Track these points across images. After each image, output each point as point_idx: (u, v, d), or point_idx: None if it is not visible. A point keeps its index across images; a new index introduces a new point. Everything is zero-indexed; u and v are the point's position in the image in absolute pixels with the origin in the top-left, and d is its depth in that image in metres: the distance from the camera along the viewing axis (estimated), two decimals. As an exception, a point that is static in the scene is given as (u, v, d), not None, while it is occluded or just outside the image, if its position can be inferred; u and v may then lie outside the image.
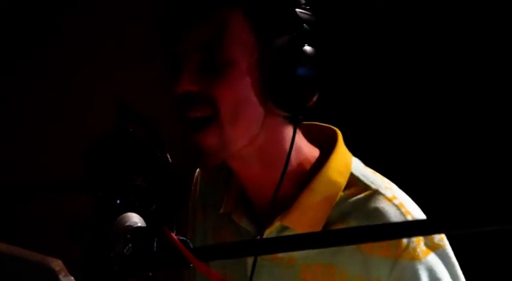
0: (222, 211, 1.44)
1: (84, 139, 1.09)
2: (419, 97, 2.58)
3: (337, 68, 1.34)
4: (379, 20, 2.59)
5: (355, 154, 1.42)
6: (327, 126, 1.43)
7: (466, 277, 1.33)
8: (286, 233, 1.34)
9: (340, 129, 1.43)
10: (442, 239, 1.31)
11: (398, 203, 1.31)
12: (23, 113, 2.62)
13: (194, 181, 1.56)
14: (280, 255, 1.34)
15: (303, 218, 1.32)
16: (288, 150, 1.30)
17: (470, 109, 2.52)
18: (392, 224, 1.09)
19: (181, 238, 1.00)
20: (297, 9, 1.28)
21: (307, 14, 1.29)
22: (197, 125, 1.29)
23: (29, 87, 2.62)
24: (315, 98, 1.29)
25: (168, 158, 1.07)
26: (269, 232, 1.35)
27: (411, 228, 0.89)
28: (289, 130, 1.33)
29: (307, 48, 1.27)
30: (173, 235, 1.00)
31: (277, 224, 1.34)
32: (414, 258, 1.27)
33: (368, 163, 1.41)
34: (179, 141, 2.57)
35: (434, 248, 1.30)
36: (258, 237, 1.35)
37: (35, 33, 2.62)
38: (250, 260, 1.35)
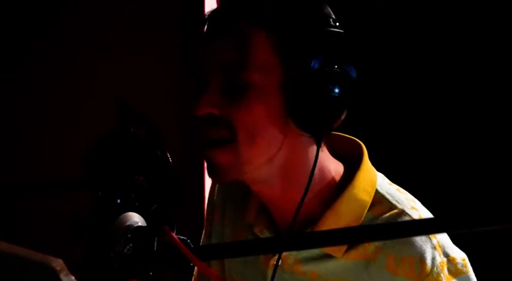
0: (243, 220, 1.41)
1: (85, 138, 1.09)
2: (419, 98, 2.58)
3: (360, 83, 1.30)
4: (379, 20, 2.59)
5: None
6: (352, 139, 1.40)
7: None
8: (310, 252, 1.32)
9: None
10: (465, 265, 1.31)
11: None
12: (22, 111, 2.62)
13: None
14: (304, 269, 1.33)
15: None
16: (309, 167, 1.29)
17: (472, 110, 2.52)
18: (417, 222, 1.08)
19: (182, 237, 1.01)
20: (327, 28, 1.26)
21: (337, 32, 1.26)
22: (213, 143, 1.28)
23: (29, 86, 2.62)
24: (339, 121, 1.27)
25: (168, 158, 1.07)
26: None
27: (428, 227, 0.91)
28: (312, 149, 1.31)
29: (336, 71, 1.24)
30: (174, 234, 1.01)
31: None
32: None
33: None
34: (179, 141, 2.57)
35: (458, 274, 1.29)
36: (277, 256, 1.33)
37: (34, 32, 2.62)
38: (270, 271, 1.34)
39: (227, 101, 1.26)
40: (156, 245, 1.02)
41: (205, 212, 1.53)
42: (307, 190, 1.27)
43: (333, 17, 1.28)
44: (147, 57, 2.63)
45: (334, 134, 1.38)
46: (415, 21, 2.56)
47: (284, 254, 1.33)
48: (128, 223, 1.03)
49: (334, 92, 1.24)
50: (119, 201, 1.04)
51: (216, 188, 1.51)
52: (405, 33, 2.57)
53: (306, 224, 1.32)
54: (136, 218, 1.04)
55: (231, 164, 1.28)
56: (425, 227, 0.94)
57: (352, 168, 1.35)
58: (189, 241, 1.01)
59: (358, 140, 1.40)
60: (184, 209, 1.13)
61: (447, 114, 2.55)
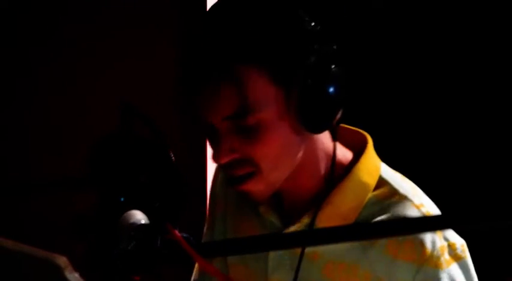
0: (247, 201, 1.42)
1: (88, 138, 1.10)
2: (419, 97, 2.59)
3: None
4: (378, 20, 2.60)
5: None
6: (358, 131, 1.44)
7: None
8: None
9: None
10: (464, 250, 1.34)
11: (426, 211, 1.33)
12: (25, 111, 2.63)
13: (215, 172, 1.55)
14: (305, 249, 1.35)
15: (333, 216, 1.34)
16: (322, 158, 1.35)
17: (470, 109, 2.52)
18: (418, 220, 1.10)
19: (185, 234, 1.01)
20: (310, 34, 1.26)
21: (318, 33, 1.27)
22: (239, 180, 1.31)
23: (31, 86, 2.63)
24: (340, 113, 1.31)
25: (171, 156, 1.08)
26: (296, 228, 1.36)
27: (433, 224, 0.93)
28: (325, 142, 1.36)
29: (332, 72, 1.26)
30: (176, 232, 1.02)
31: (305, 221, 1.35)
32: (437, 266, 1.30)
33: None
34: (181, 140, 2.58)
35: (457, 258, 1.33)
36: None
37: (35, 32, 2.62)
38: (272, 255, 1.38)
39: (241, 140, 1.28)
40: (159, 243, 1.03)
41: (208, 205, 1.55)
42: (330, 184, 1.34)
43: (306, 18, 1.27)
44: (149, 58, 2.63)
45: (343, 126, 1.42)
46: (414, 21, 2.57)
47: None
48: (131, 221, 1.04)
49: (334, 93, 1.26)
50: (122, 199, 1.05)
51: (218, 180, 1.53)
52: (404, 33, 2.58)
53: (311, 203, 1.35)
54: (139, 216, 1.05)
55: (262, 189, 1.32)
56: (428, 225, 0.95)
57: (358, 155, 1.39)
58: (191, 238, 1.02)
59: (364, 131, 1.44)
60: (187, 207, 1.15)
61: (447, 112, 2.56)
